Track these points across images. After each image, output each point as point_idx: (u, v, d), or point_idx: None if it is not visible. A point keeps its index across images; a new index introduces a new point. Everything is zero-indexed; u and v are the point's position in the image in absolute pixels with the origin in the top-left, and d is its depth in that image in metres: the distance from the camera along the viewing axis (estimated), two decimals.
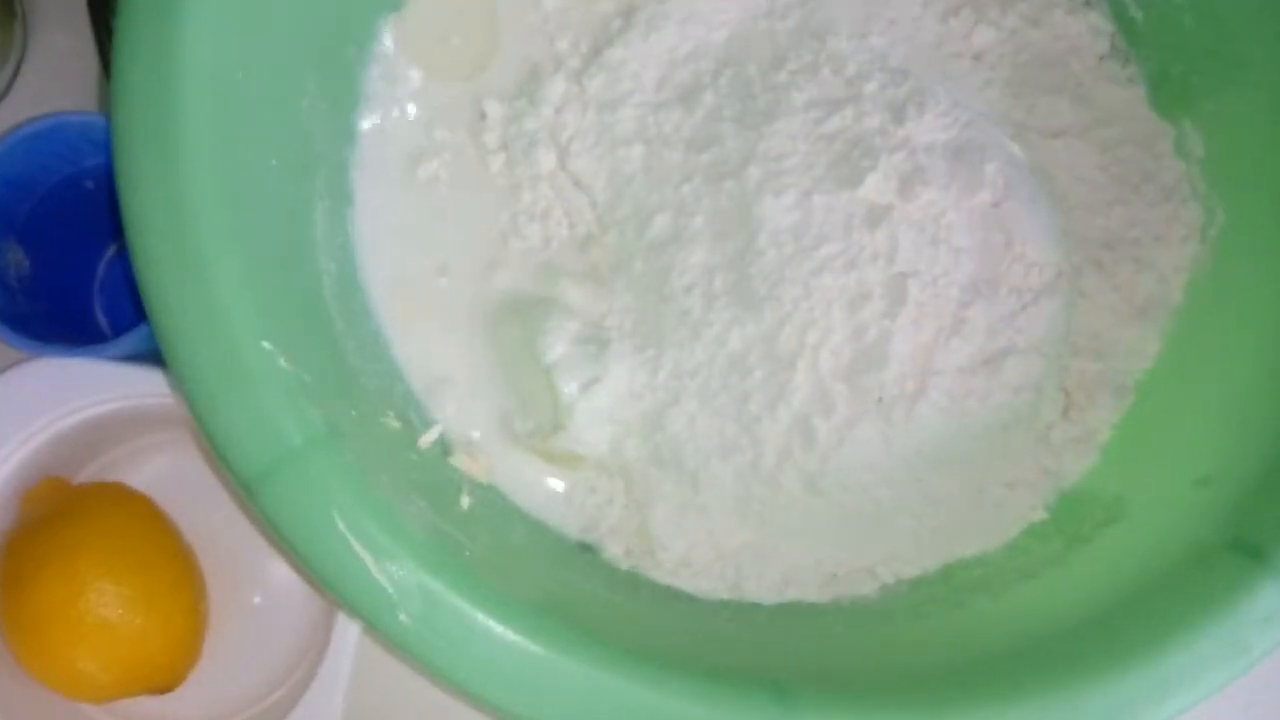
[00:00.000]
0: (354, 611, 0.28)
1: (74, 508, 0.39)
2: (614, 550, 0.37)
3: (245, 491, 0.28)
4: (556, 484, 0.38)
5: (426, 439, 0.35)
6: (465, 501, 0.35)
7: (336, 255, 0.36)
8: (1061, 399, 0.38)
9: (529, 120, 0.39)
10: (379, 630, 0.28)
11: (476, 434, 0.37)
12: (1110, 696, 0.29)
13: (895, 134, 0.37)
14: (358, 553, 0.28)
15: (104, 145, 0.38)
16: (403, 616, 0.28)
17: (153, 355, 0.38)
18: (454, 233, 0.39)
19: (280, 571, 0.42)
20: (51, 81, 0.45)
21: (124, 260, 0.45)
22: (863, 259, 0.35)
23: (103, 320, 0.45)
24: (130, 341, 0.38)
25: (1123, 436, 0.38)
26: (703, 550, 0.37)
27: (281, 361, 0.29)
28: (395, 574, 0.28)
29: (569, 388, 0.37)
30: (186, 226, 0.29)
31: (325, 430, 0.29)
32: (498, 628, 0.28)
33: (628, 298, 0.38)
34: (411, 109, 0.39)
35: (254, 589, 0.42)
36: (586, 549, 0.37)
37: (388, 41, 0.39)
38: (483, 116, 0.40)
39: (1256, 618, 0.30)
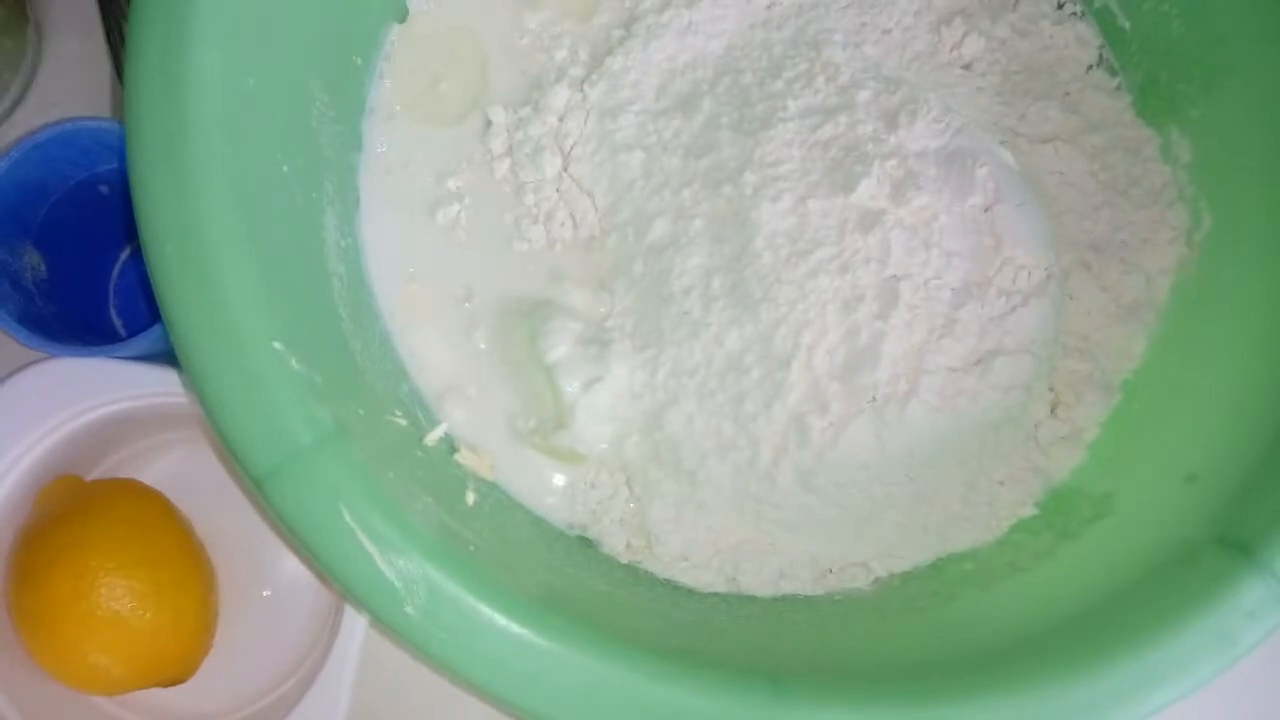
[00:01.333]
0: (361, 604, 0.29)
1: (88, 504, 0.39)
2: (614, 545, 0.38)
3: (256, 488, 0.29)
4: (558, 480, 0.38)
5: (432, 437, 0.36)
6: (470, 498, 0.35)
7: (345, 258, 0.37)
8: (1049, 398, 0.39)
9: (534, 126, 0.40)
10: (385, 622, 0.29)
11: (481, 432, 0.38)
12: (1099, 687, 0.30)
13: (888, 141, 0.37)
14: (365, 547, 0.28)
15: (117, 150, 0.39)
16: (408, 609, 0.28)
17: (166, 355, 0.39)
18: (459, 238, 0.40)
19: (290, 565, 0.42)
20: (65, 87, 0.45)
21: (138, 262, 0.45)
22: (856, 262, 0.36)
23: (117, 321, 0.45)
24: (144, 342, 0.38)
25: (1110, 434, 0.38)
26: (700, 545, 0.37)
27: (292, 362, 0.29)
28: (401, 567, 0.28)
29: (571, 387, 0.37)
30: (199, 230, 0.29)
31: (334, 429, 0.29)
32: (501, 620, 0.29)
33: (628, 299, 0.38)
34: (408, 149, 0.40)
35: (264, 583, 0.42)
36: (587, 544, 0.38)
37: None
38: (488, 123, 0.40)
39: (1242, 612, 0.30)
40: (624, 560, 0.37)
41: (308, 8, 0.35)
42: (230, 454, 0.29)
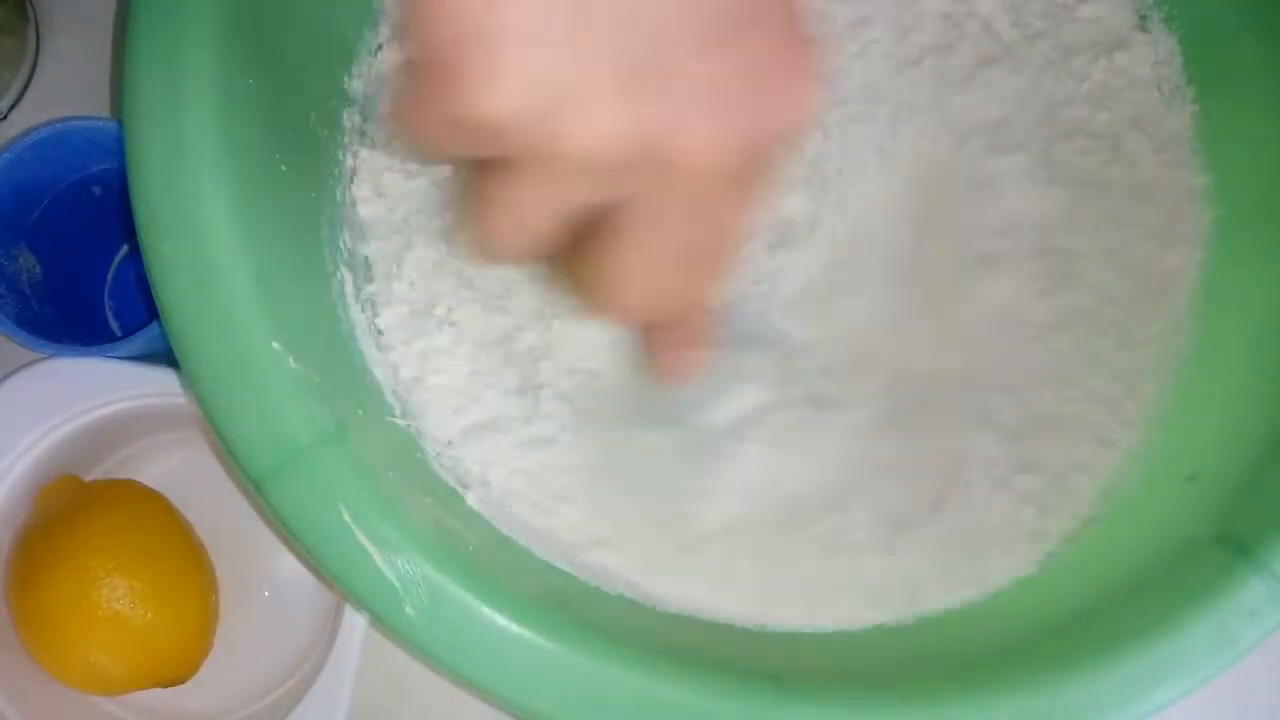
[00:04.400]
0: (361, 604, 0.29)
1: (87, 504, 0.39)
2: None
3: (254, 488, 0.29)
4: None
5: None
6: (470, 499, 0.35)
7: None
8: None
9: None
10: (385, 623, 0.29)
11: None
12: (1098, 687, 0.30)
13: None
14: (364, 547, 0.28)
15: (110, 150, 0.39)
16: (408, 609, 0.28)
17: (163, 355, 0.39)
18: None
19: (289, 565, 0.42)
20: (65, 87, 0.45)
21: (133, 263, 0.45)
22: None
23: (113, 323, 0.45)
24: (141, 341, 0.38)
25: None
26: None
27: (290, 361, 0.29)
28: (401, 568, 0.28)
29: None
30: (198, 229, 0.29)
31: (333, 429, 0.29)
32: (501, 620, 0.29)
33: None
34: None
35: (263, 583, 0.42)
36: None
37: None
38: None
39: (1243, 611, 0.30)
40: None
41: (308, 6, 0.35)
42: (228, 455, 0.29)
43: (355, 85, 0.38)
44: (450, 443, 0.36)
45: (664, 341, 0.31)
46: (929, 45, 0.40)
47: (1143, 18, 0.40)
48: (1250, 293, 0.37)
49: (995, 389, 0.37)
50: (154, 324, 0.38)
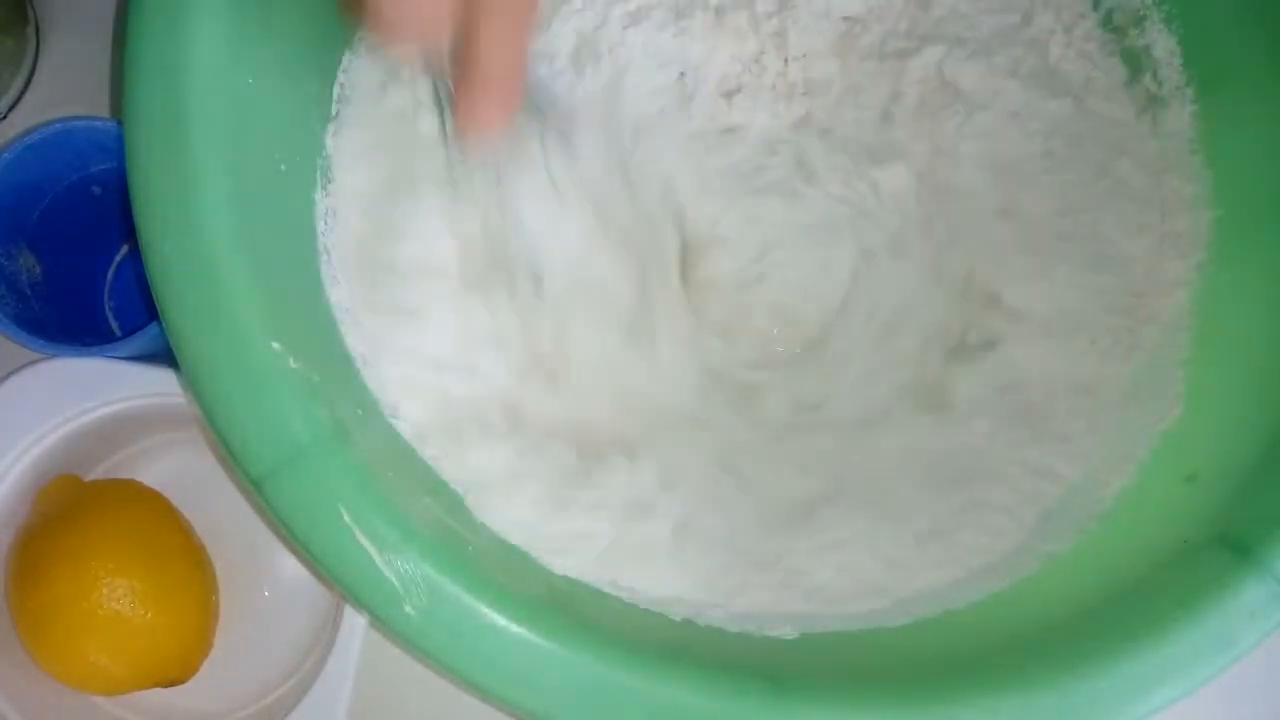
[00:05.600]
0: (360, 604, 0.29)
1: (87, 504, 0.39)
2: None
3: (254, 488, 0.29)
4: None
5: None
6: (471, 500, 0.35)
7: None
8: None
9: None
10: (385, 623, 0.29)
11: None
12: (1097, 688, 0.30)
13: None
14: (364, 546, 0.28)
15: (110, 150, 0.39)
16: (408, 609, 0.28)
17: (163, 355, 0.39)
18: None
19: (289, 566, 0.42)
20: (65, 87, 0.45)
21: (132, 263, 0.45)
22: None
23: (113, 323, 0.45)
24: (140, 341, 0.38)
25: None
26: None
27: (290, 361, 0.29)
28: (401, 567, 0.28)
29: None
30: (198, 229, 0.29)
31: (332, 429, 0.29)
32: (501, 620, 0.29)
33: None
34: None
35: (263, 583, 0.42)
36: None
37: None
38: None
39: (1242, 612, 0.30)
40: None
41: (308, 7, 0.35)
42: (228, 455, 0.29)
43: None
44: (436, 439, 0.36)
45: (465, 90, 0.29)
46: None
47: (1141, 17, 0.40)
48: (1250, 293, 0.37)
49: (991, 387, 0.37)
50: (154, 324, 0.38)
